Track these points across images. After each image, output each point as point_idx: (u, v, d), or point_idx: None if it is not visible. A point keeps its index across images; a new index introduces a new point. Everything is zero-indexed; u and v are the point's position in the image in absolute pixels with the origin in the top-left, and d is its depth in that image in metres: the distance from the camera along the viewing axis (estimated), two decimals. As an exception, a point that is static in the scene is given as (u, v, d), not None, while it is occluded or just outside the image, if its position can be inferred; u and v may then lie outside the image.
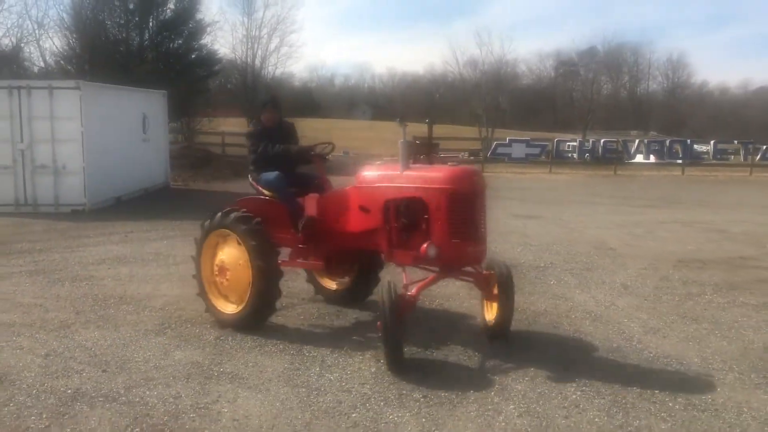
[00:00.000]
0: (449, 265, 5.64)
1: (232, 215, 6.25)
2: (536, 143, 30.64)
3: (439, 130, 48.13)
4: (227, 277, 6.36)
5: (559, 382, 5.09)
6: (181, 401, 4.71)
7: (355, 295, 7.16)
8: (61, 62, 30.20)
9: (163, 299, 7.50)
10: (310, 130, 34.93)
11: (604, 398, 4.82)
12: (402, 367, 5.23)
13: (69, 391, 4.92)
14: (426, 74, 75.24)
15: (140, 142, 18.66)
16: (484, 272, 5.96)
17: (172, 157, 21.97)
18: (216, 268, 6.49)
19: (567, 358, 5.69)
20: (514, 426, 4.39)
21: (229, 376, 5.23)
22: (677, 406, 4.69)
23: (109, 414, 4.55)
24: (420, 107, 65.87)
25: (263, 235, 6.13)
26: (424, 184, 5.53)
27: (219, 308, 6.48)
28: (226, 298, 6.49)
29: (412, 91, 73.75)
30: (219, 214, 6.38)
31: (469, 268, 5.92)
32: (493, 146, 30.01)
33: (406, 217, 5.71)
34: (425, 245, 5.37)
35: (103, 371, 5.32)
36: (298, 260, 6.69)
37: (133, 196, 17.65)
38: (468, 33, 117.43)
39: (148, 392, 4.90)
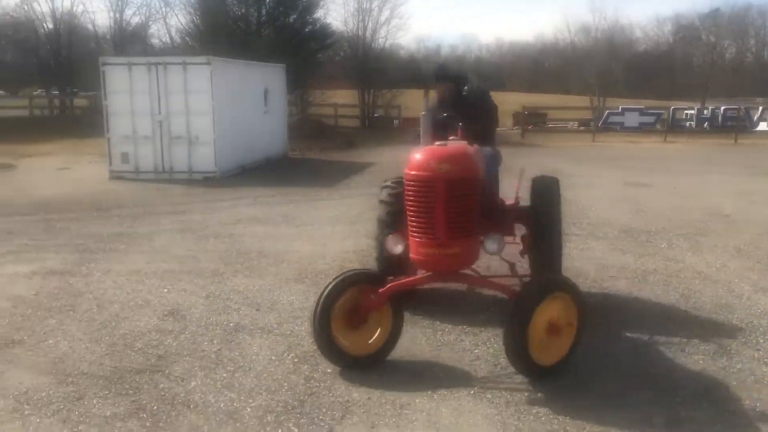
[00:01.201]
0: (418, 267, 4.94)
1: None
2: (651, 111, 29.74)
3: (549, 99, 47.37)
4: None
5: (665, 330, 5.48)
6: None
7: None
8: (186, 39, 32.17)
9: (297, 254, 8.35)
10: (415, 101, 35.40)
11: (708, 344, 5.18)
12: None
13: (231, 324, 5.81)
14: (535, 42, 73.70)
15: (262, 115, 19.81)
16: (514, 287, 4.96)
17: (289, 128, 23.11)
18: None
19: (675, 310, 6.02)
20: (620, 362, 4.86)
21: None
22: (783, 356, 4.98)
23: (267, 342, 5.38)
24: (528, 76, 64.77)
25: None
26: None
27: None
28: None
29: (520, 59, 72.42)
30: None
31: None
32: (605, 115, 29.42)
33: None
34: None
35: (257, 310, 6.18)
36: None
37: (257, 165, 18.84)
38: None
39: (296, 327, 5.71)
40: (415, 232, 4.69)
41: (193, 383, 4.67)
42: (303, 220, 10.72)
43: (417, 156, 4.70)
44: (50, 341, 5.45)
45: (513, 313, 4.46)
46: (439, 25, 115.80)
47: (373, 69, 34.45)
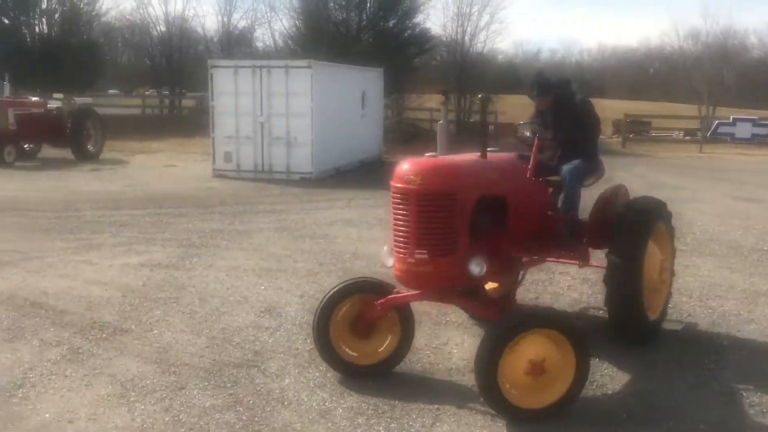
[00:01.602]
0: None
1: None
2: (765, 122, 28.08)
3: (652, 107, 45.50)
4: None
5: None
6: (416, 341, 5.46)
7: None
8: (289, 42, 33.07)
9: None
10: (512, 107, 34.94)
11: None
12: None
13: (324, 324, 5.90)
14: (640, 47, 71.20)
15: (359, 118, 20.09)
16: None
17: (384, 131, 23.31)
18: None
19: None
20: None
21: (455, 325, 5.92)
22: None
23: (359, 344, 5.43)
24: (631, 82, 62.58)
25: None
26: None
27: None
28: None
29: (623, 65, 70.10)
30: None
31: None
32: (714, 125, 28.02)
33: None
34: None
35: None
36: None
37: (351, 167, 19.10)
38: (691, 2, 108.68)
39: (388, 331, 5.73)
40: (393, 245, 4.52)
41: (287, 380, 4.78)
42: (396, 223, 10.77)
43: (400, 167, 4.50)
44: (155, 331, 5.72)
45: (481, 347, 4.12)
46: (538, 28, 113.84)
47: (470, 74, 34.25)
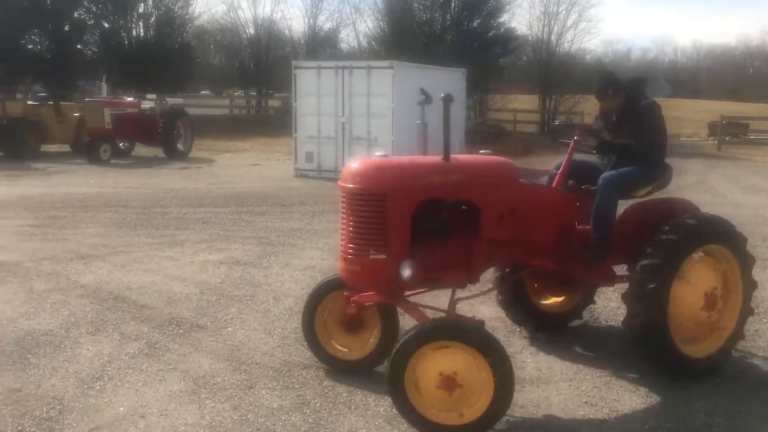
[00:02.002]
0: None
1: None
2: None
3: (751, 108, 43.25)
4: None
5: None
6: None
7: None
8: (372, 43, 33.29)
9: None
10: (597, 107, 33.85)
11: None
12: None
13: (396, 328, 5.83)
14: (739, 45, 67.80)
15: (441, 119, 19.92)
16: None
17: (466, 132, 23.06)
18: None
19: None
20: None
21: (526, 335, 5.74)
22: None
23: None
24: (729, 82, 59.71)
25: None
26: None
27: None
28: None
29: (720, 64, 66.99)
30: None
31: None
32: (819, 127, 26.29)
33: None
34: None
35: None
36: None
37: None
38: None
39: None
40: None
41: (354, 384, 4.73)
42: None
43: (347, 165, 4.48)
44: (229, 329, 5.80)
45: (390, 355, 4.03)
46: (630, 27, 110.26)
47: (556, 74, 33.48)
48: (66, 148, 21.39)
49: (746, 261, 4.95)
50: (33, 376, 4.77)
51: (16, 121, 19.91)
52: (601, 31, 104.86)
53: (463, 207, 4.60)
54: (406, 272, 4.16)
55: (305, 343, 5.14)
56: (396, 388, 3.98)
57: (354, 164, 4.41)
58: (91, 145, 19.19)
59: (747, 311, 5.00)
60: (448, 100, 4.62)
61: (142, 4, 37.82)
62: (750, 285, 4.97)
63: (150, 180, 15.86)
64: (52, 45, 35.05)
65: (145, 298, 6.57)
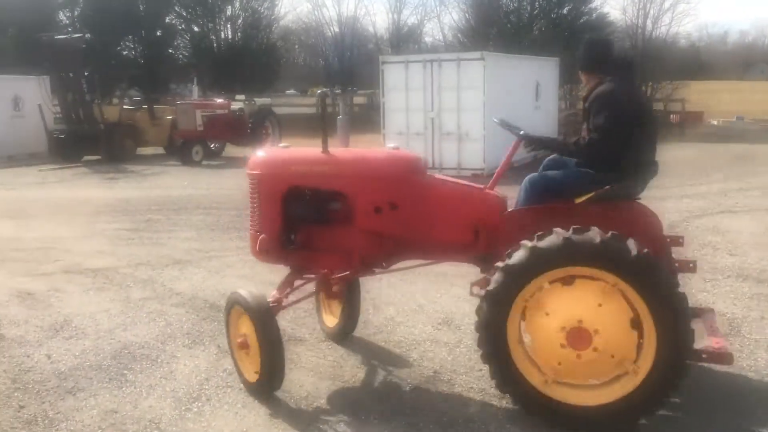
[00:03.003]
0: None
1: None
2: None
3: None
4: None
5: None
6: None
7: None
8: (459, 35, 32.64)
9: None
10: (695, 93, 32.00)
11: None
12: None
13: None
14: None
15: (532, 110, 19.14)
16: None
17: (558, 123, 22.13)
18: None
19: None
20: None
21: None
22: None
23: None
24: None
25: None
26: None
27: None
28: None
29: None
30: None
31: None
32: None
33: None
34: None
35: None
36: None
37: (524, 162, 18.20)
38: None
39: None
40: None
41: (471, 408, 4.26)
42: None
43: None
44: (329, 342, 5.43)
45: None
46: (727, 9, 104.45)
47: (653, 60, 31.81)
48: (160, 150, 21.88)
49: (653, 289, 3.66)
50: (129, 395, 4.53)
51: (114, 125, 20.50)
52: (699, 13, 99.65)
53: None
54: (264, 245, 4.55)
55: (413, 360, 4.69)
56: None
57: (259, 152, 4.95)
58: (184, 147, 19.53)
59: (672, 350, 3.68)
60: (323, 96, 4.95)
61: (230, 7, 38.57)
62: (667, 315, 3.65)
63: (241, 181, 15.61)
64: (146, 50, 36.24)
65: (240, 306, 6.30)
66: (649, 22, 33.04)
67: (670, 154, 20.27)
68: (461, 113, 16.08)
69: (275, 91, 41.17)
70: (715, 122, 29.91)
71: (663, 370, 3.67)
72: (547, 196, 4.37)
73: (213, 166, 18.99)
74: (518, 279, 3.82)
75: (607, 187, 4.15)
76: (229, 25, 38.68)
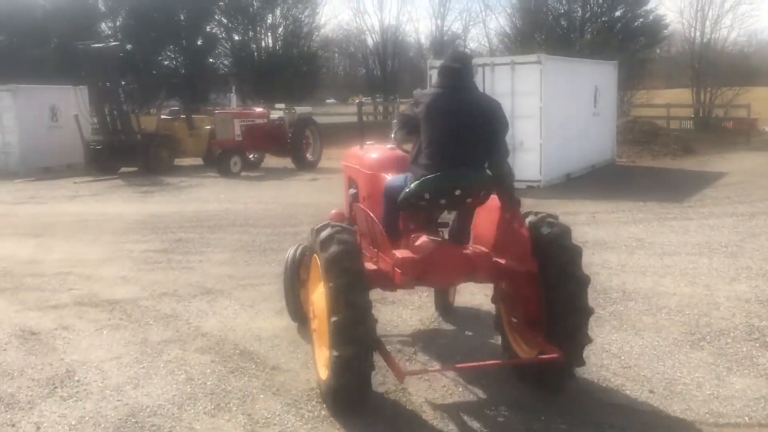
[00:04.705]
0: None
1: None
2: None
3: None
4: None
5: None
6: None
7: None
8: (505, 40, 31.41)
9: (675, 298, 6.39)
10: (746, 100, 30.11)
11: None
12: None
13: (608, 404, 4.14)
14: None
15: (590, 117, 17.83)
16: None
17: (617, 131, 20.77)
18: None
19: None
20: None
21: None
22: None
23: None
24: None
25: None
26: None
27: None
28: None
29: None
30: None
31: None
32: None
33: None
34: None
35: (650, 392, 4.42)
36: None
37: (582, 173, 16.96)
38: None
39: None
40: None
41: None
42: (663, 246, 8.64)
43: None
44: (398, 396, 4.33)
45: None
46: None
47: (713, 64, 30.08)
48: (199, 161, 21.15)
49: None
50: (131, 489, 3.51)
51: (151, 136, 19.81)
52: (763, 14, 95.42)
53: None
54: None
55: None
56: None
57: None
58: (222, 158, 18.70)
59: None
60: (360, 105, 4.97)
61: (270, 15, 38.00)
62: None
63: (279, 192, 14.95)
64: (186, 60, 35.85)
65: (276, 354, 5.24)
66: (708, 24, 31.29)
67: (741, 161, 18.76)
68: (515, 121, 14.76)
69: (315, 101, 40.47)
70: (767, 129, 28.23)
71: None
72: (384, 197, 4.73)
73: (251, 178, 18.12)
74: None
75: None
76: (270, 34, 38.14)
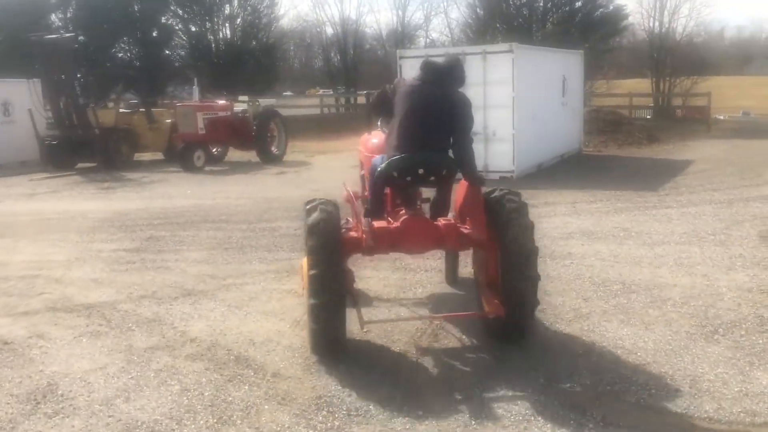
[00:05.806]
0: None
1: None
2: None
3: None
4: None
5: None
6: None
7: None
8: (467, 31, 31.28)
9: (677, 290, 6.25)
10: (713, 87, 30.70)
11: None
12: None
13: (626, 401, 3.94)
14: None
15: (559, 107, 17.79)
16: None
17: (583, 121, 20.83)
18: None
19: None
20: None
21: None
22: None
23: None
24: None
25: None
26: None
27: None
28: None
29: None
30: None
31: None
32: None
33: None
34: None
35: (676, 390, 4.23)
36: None
37: (553, 162, 16.92)
38: None
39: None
40: None
41: None
42: (651, 236, 8.54)
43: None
44: (402, 417, 4.05)
45: None
46: (724, 4, 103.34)
47: (673, 54, 30.48)
48: (159, 155, 20.47)
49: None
50: None
51: (109, 130, 19.04)
52: (719, 6, 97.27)
53: None
54: None
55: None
56: None
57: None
58: (185, 152, 18.06)
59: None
60: (368, 95, 4.25)
61: (228, 6, 37.15)
62: None
63: (247, 187, 14.49)
64: (142, 52, 34.82)
65: (274, 359, 4.90)
66: (666, 13, 31.65)
67: (704, 149, 18.99)
68: (488, 111, 14.67)
69: (273, 93, 39.79)
70: (722, 117, 28.76)
71: None
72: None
73: (216, 172, 17.58)
74: None
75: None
76: (227, 25, 37.27)
